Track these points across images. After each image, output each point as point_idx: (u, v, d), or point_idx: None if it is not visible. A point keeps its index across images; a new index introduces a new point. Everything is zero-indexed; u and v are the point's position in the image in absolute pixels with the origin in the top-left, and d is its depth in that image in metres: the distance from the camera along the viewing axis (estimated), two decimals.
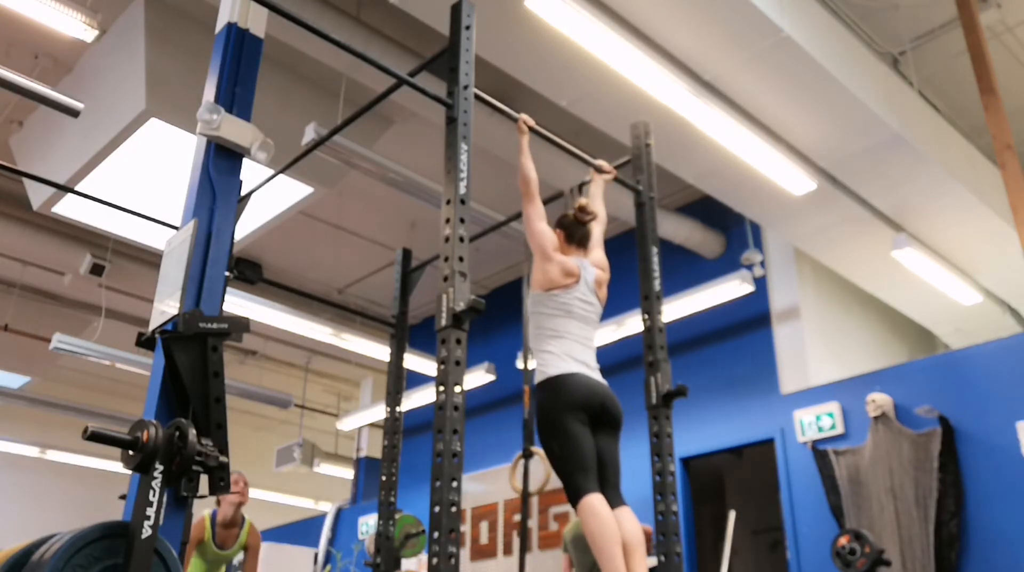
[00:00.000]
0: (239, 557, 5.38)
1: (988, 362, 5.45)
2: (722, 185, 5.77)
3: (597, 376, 2.99)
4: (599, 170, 3.52)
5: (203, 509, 4.95)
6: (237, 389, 8.91)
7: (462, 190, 2.52)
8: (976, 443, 5.26)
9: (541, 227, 3.08)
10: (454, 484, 2.17)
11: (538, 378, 2.97)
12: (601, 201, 3.45)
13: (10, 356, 9.71)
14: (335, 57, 4.84)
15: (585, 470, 2.77)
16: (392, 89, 3.27)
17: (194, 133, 2.67)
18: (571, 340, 3.00)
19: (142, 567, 1.79)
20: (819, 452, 5.89)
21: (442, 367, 2.29)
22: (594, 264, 3.21)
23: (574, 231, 3.23)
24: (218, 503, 5.02)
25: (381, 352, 8.07)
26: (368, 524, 9.25)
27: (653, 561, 3.02)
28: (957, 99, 6.52)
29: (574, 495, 2.75)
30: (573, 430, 2.82)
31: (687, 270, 7.01)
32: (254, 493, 12.04)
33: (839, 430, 5.89)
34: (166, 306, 2.38)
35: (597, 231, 3.32)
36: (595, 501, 2.71)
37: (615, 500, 2.83)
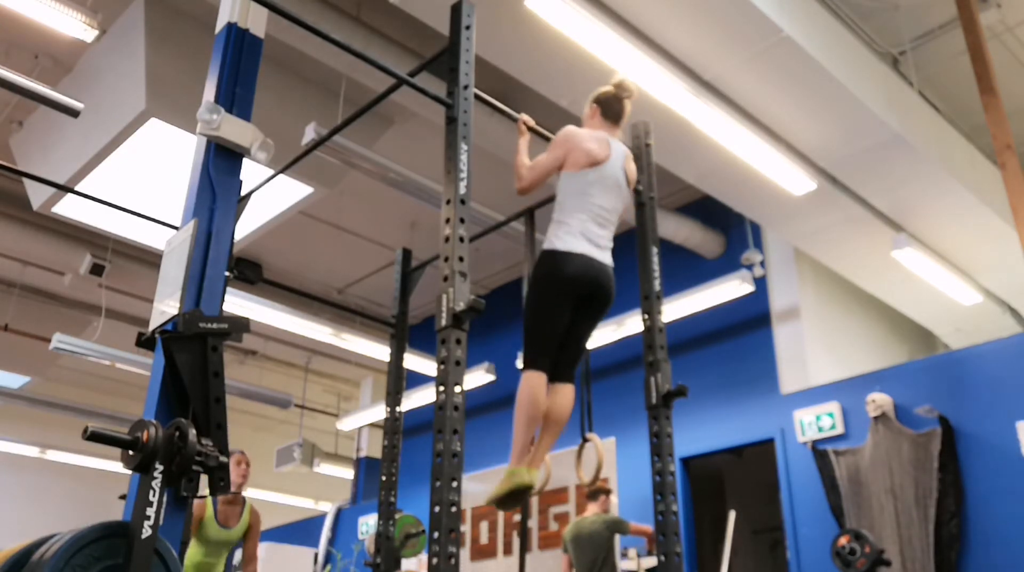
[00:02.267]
0: (237, 556, 5.32)
1: (988, 362, 5.45)
2: (722, 185, 5.77)
3: (604, 257, 3.04)
4: None
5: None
6: (237, 389, 8.91)
7: (462, 190, 2.52)
8: (976, 443, 5.26)
9: (552, 147, 3.10)
10: (454, 484, 2.16)
11: (545, 246, 3.03)
12: None
13: (10, 356, 9.71)
14: (335, 57, 4.84)
15: (543, 348, 2.95)
16: (392, 89, 3.27)
17: (194, 133, 2.67)
18: (593, 214, 3.03)
19: (142, 567, 1.79)
20: (819, 452, 5.89)
21: (442, 367, 2.29)
22: (628, 157, 3.24)
23: (611, 106, 3.25)
24: None
25: (381, 352, 8.07)
26: (368, 524, 9.25)
27: (653, 561, 3.03)
28: (957, 99, 6.52)
29: (524, 363, 2.95)
30: (550, 309, 2.95)
31: (687, 270, 7.01)
32: (254, 493, 12.07)
33: (839, 430, 5.89)
34: (166, 306, 2.38)
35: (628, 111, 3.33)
36: (535, 378, 2.91)
37: (565, 375, 3.05)
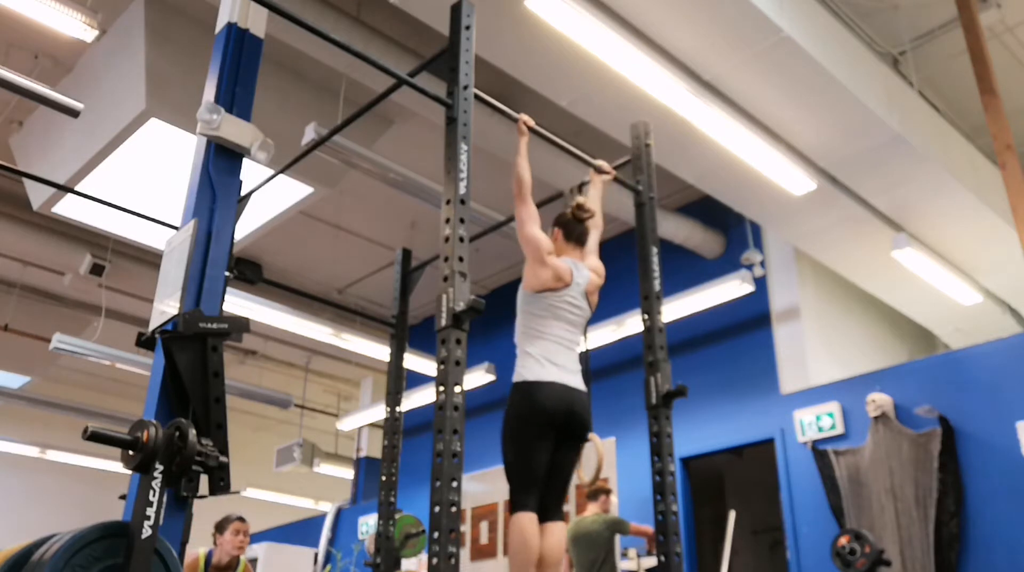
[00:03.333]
0: None
1: (988, 362, 5.44)
2: (722, 185, 5.77)
3: (574, 380, 3.00)
4: (599, 170, 3.51)
5: (199, 546, 4.70)
6: (237, 389, 8.91)
7: (462, 190, 2.52)
8: (976, 443, 5.25)
9: (534, 231, 3.07)
10: (454, 484, 2.17)
11: (515, 378, 2.99)
12: (600, 203, 3.45)
13: (10, 356, 9.72)
14: (335, 57, 4.84)
15: (529, 487, 2.86)
16: (392, 89, 3.27)
17: (194, 133, 2.68)
18: (554, 342, 3.01)
19: (142, 567, 1.79)
20: (819, 452, 5.89)
21: (442, 367, 2.29)
22: (590, 268, 3.21)
23: (572, 229, 3.24)
24: (215, 543, 4.78)
25: (381, 352, 8.07)
26: (368, 524, 9.25)
27: (653, 561, 3.03)
28: (957, 99, 6.52)
29: (512, 505, 2.87)
30: (531, 445, 2.87)
31: (687, 270, 7.01)
32: (254, 493, 12.08)
33: (839, 430, 5.89)
34: (166, 306, 2.38)
35: (593, 236, 3.32)
36: (525, 521, 2.82)
37: (554, 513, 2.94)
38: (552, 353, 2.98)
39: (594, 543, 5.53)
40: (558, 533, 2.93)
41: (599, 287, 3.24)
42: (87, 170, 5.74)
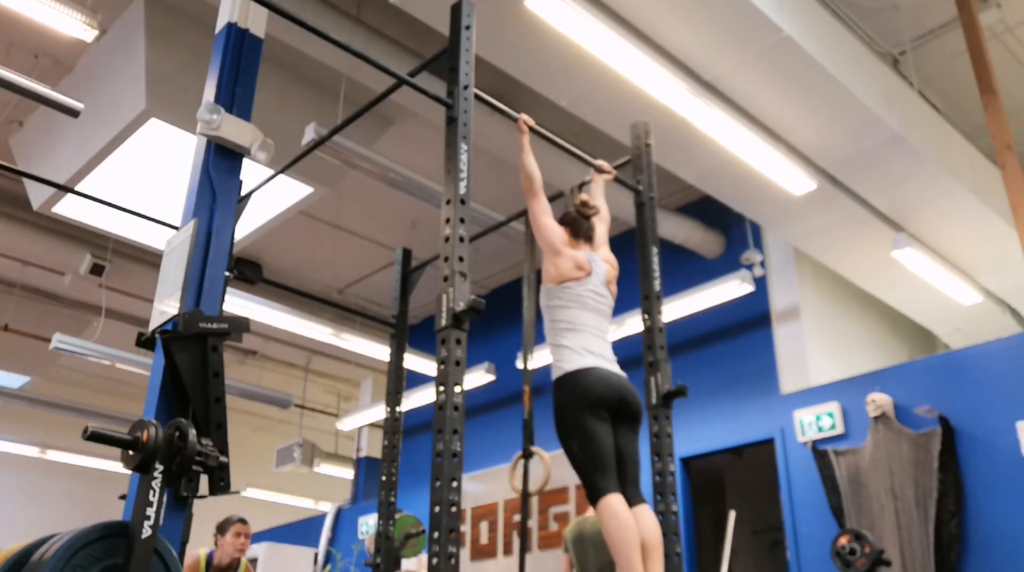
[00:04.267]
0: None
1: (988, 362, 5.44)
2: (722, 185, 5.77)
3: (615, 368, 2.95)
4: (599, 170, 3.52)
5: (200, 547, 4.68)
6: (237, 389, 8.91)
7: (462, 190, 2.52)
8: (976, 443, 5.25)
9: (548, 222, 3.07)
10: (454, 484, 2.17)
11: (555, 374, 2.91)
12: (603, 199, 3.45)
13: (10, 356, 9.71)
14: (335, 57, 4.84)
15: (604, 469, 2.74)
16: (392, 89, 3.27)
17: (194, 133, 2.67)
18: (587, 332, 2.96)
19: (142, 567, 1.79)
20: (819, 452, 5.89)
21: (442, 367, 2.29)
22: (603, 259, 3.21)
23: (579, 226, 3.22)
24: (216, 544, 4.76)
25: (381, 352, 8.07)
26: (368, 524, 9.25)
27: None
28: (957, 99, 6.52)
29: (594, 494, 2.72)
30: (592, 428, 2.77)
31: (687, 270, 7.01)
32: (254, 493, 12.07)
33: (839, 430, 5.89)
34: (166, 306, 2.38)
35: (601, 228, 3.32)
36: (614, 501, 2.68)
37: (634, 498, 2.79)
38: (588, 343, 2.93)
39: (596, 547, 5.51)
40: (650, 515, 2.78)
41: (616, 278, 3.23)
42: (87, 170, 5.74)
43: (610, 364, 2.94)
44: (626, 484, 2.81)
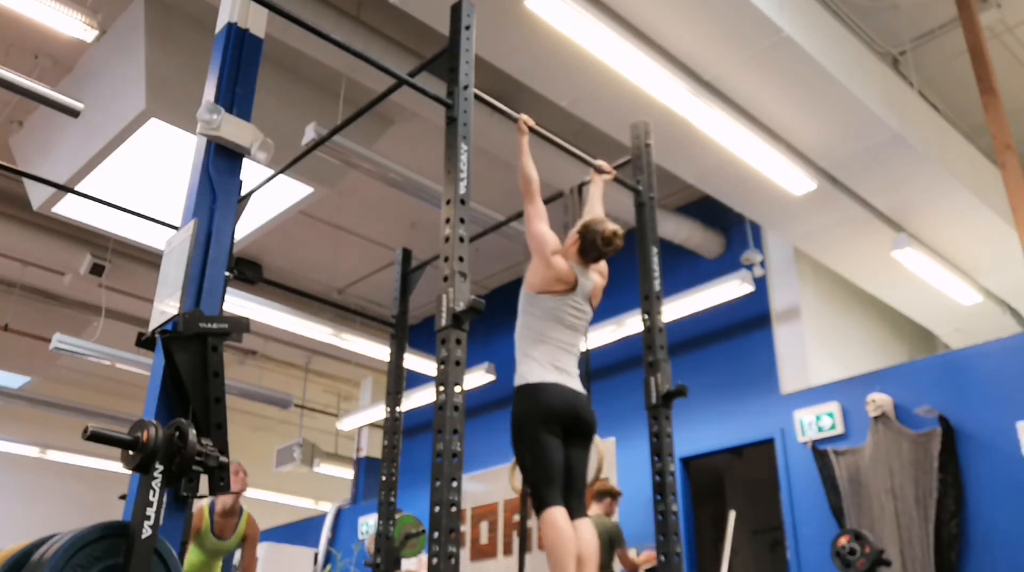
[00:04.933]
0: (237, 556, 5.33)
1: (988, 362, 5.44)
2: (722, 185, 5.77)
3: (576, 384, 3.02)
4: (599, 170, 3.51)
5: (201, 500, 4.87)
6: (237, 389, 8.91)
7: (462, 190, 2.52)
8: (976, 443, 5.25)
9: (542, 229, 3.07)
10: (454, 484, 2.17)
11: (517, 381, 2.99)
12: (600, 203, 3.44)
13: (10, 356, 9.71)
14: (335, 57, 4.84)
15: (551, 481, 2.85)
16: (392, 89, 3.27)
17: (194, 133, 2.67)
18: (556, 346, 3.01)
19: (142, 567, 1.79)
20: (819, 452, 5.89)
21: (442, 367, 2.29)
22: (595, 269, 3.20)
23: (591, 250, 3.13)
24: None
25: (381, 352, 8.07)
26: (368, 524, 9.25)
27: (653, 560, 3.03)
28: (957, 99, 6.52)
29: (539, 505, 2.83)
30: (545, 442, 2.87)
31: (687, 270, 7.01)
32: (254, 493, 12.06)
33: (839, 430, 5.89)
34: (166, 306, 2.38)
35: (603, 266, 3.29)
36: (557, 514, 2.79)
37: (577, 511, 2.91)
38: (554, 357, 2.99)
39: (602, 546, 5.52)
40: (589, 529, 2.91)
41: (603, 289, 3.23)
42: (87, 170, 5.74)
43: (572, 380, 3.01)
44: (571, 497, 2.92)
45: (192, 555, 4.80)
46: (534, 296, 3.05)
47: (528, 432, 2.89)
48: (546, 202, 3.57)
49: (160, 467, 1.88)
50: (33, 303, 8.72)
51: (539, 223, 3.07)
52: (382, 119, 6.25)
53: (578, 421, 2.97)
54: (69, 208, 6.20)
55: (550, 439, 2.88)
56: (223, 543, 4.90)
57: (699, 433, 6.56)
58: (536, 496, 2.85)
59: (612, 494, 5.74)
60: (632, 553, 5.76)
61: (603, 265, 3.26)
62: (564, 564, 2.71)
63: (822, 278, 6.88)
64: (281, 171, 3.61)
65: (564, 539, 2.74)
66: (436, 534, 2.12)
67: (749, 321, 6.81)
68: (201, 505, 4.82)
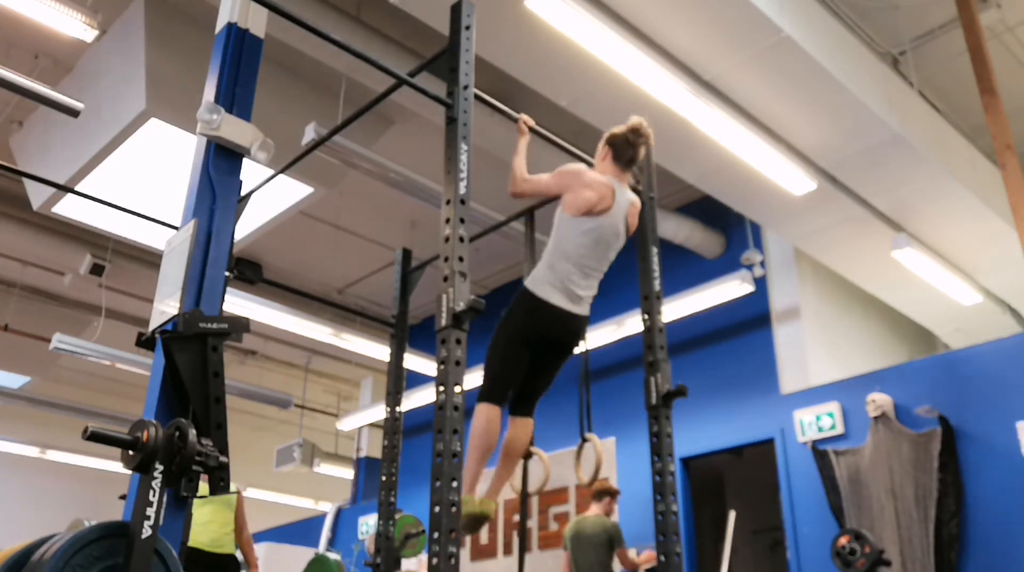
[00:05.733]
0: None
1: (988, 362, 5.44)
2: (722, 185, 5.77)
3: (580, 308, 3.03)
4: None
5: None
6: (237, 389, 8.91)
7: (462, 190, 2.52)
8: (976, 443, 5.26)
9: (555, 175, 3.06)
10: (454, 484, 2.16)
11: (527, 282, 3.04)
12: None
13: (10, 356, 9.71)
14: (335, 57, 4.84)
15: (502, 387, 3.00)
16: (392, 89, 3.27)
17: (194, 133, 2.67)
18: (578, 266, 3.01)
19: (142, 567, 1.79)
20: (819, 452, 5.89)
21: (442, 367, 2.29)
22: (632, 192, 3.19)
23: (623, 150, 3.16)
24: None
25: (381, 352, 8.07)
26: (368, 524, 9.25)
27: (653, 560, 3.03)
28: (957, 99, 6.52)
29: (482, 396, 2.98)
30: (515, 353, 2.98)
31: (687, 270, 7.01)
32: (254, 493, 12.06)
33: (839, 430, 5.89)
34: (166, 306, 2.38)
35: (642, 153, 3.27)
36: (490, 411, 2.94)
37: (527, 409, 3.13)
38: (571, 277, 2.99)
39: (594, 545, 5.52)
40: (525, 427, 3.13)
41: (638, 212, 3.21)
42: (87, 170, 5.74)
43: (578, 304, 3.03)
44: (526, 398, 3.12)
45: None
46: (572, 219, 3.03)
47: (507, 342, 3.00)
48: (544, 203, 3.58)
49: (160, 467, 1.87)
50: (33, 303, 8.72)
51: (550, 181, 3.07)
52: (382, 119, 6.25)
53: (562, 339, 3.05)
54: (69, 208, 6.20)
55: (523, 353, 2.99)
56: None
57: (699, 433, 6.56)
58: (483, 388, 2.99)
59: (611, 493, 5.73)
60: (632, 553, 5.76)
61: (637, 200, 3.21)
62: (477, 454, 2.90)
63: (822, 278, 6.88)
64: (281, 171, 3.61)
65: (488, 434, 2.91)
66: (436, 534, 2.12)
67: (749, 321, 6.81)
68: None
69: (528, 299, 2.99)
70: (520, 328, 2.99)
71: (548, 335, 3.00)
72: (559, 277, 2.98)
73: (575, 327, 3.05)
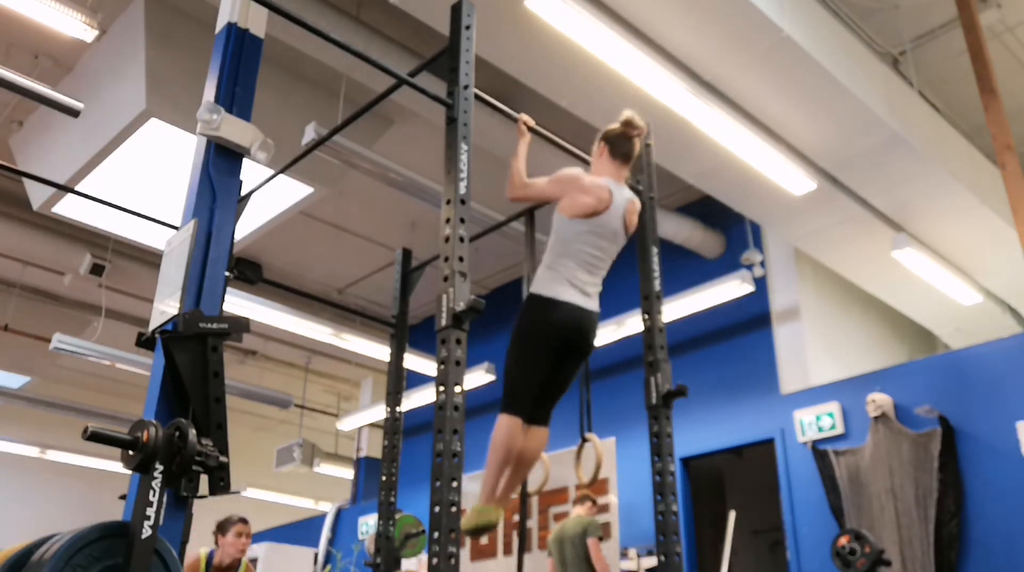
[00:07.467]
0: None
1: (988, 362, 5.44)
2: (722, 185, 5.77)
3: (589, 303, 3.02)
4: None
5: (201, 547, 4.60)
6: (237, 389, 8.91)
7: (462, 190, 2.52)
8: (976, 443, 5.25)
9: (553, 180, 3.05)
10: (454, 484, 2.16)
11: (532, 288, 3.02)
12: None
13: (10, 356, 9.71)
14: (335, 57, 4.84)
15: (524, 396, 2.97)
16: (392, 89, 3.27)
17: (194, 133, 2.67)
18: (581, 262, 3.00)
19: (142, 567, 1.79)
20: (819, 452, 5.89)
21: (442, 367, 2.29)
22: (630, 191, 3.18)
23: (619, 145, 3.16)
24: (217, 544, 4.66)
25: (381, 352, 8.07)
26: (368, 524, 9.24)
27: (653, 561, 3.04)
28: (957, 99, 6.52)
29: (503, 407, 2.96)
30: (536, 359, 2.95)
31: (687, 270, 7.01)
32: (254, 493, 12.06)
33: (839, 430, 5.89)
34: (166, 306, 2.38)
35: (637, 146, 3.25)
36: (512, 423, 2.93)
37: (542, 418, 3.09)
38: (575, 274, 2.98)
39: (572, 543, 5.61)
40: (540, 437, 3.10)
41: (638, 210, 3.18)
42: (87, 170, 5.74)
43: (587, 299, 3.01)
44: (545, 405, 3.09)
45: None
46: (570, 221, 3.02)
47: (525, 346, 2.96)
48: (544, 204, 3.57)
49: (160, 467, 1.87)
50: (33, 303, 8.72)
51: (547, 180, 3.06)
52: (382, 119, 6.25)
53: (580, 341, 3.00)
54: (69, 208, 6.20)
55: (541, 359, 2.95)
56: None
57: (699, 433, 6.57)
58: (504, 399, 2.96)
59: (592, 499, 5.95)
60: (606, 548, 5.81)
61: (636, 199, 3.20)
62: (496, 467, 2.93)
63: (822, 278, 6.88)
64: (281, 171, 3.61)
65: (508, 446, 2.92)
66: (436, 534, 2.12)
67: (749, 321, 6.81)
68: (198, 554, 4.64)
69: (538, 302, 2.96)
70: (537, 332, 2.95)
71: (564, 334, 2.95)
72: (564, 275, 2.97)
73: (589, 324, 3.01)
